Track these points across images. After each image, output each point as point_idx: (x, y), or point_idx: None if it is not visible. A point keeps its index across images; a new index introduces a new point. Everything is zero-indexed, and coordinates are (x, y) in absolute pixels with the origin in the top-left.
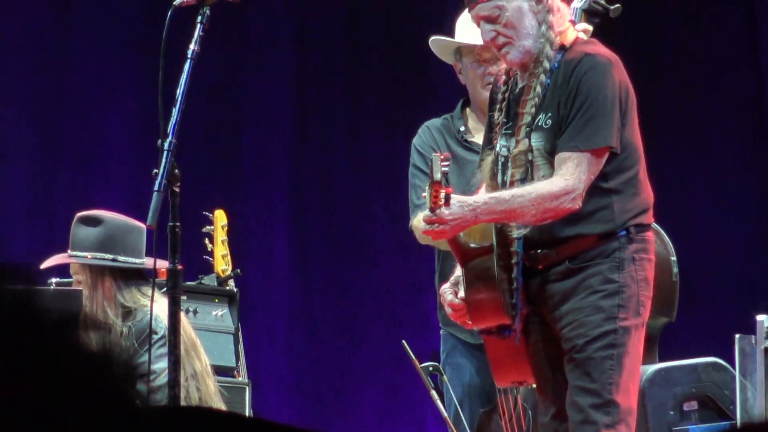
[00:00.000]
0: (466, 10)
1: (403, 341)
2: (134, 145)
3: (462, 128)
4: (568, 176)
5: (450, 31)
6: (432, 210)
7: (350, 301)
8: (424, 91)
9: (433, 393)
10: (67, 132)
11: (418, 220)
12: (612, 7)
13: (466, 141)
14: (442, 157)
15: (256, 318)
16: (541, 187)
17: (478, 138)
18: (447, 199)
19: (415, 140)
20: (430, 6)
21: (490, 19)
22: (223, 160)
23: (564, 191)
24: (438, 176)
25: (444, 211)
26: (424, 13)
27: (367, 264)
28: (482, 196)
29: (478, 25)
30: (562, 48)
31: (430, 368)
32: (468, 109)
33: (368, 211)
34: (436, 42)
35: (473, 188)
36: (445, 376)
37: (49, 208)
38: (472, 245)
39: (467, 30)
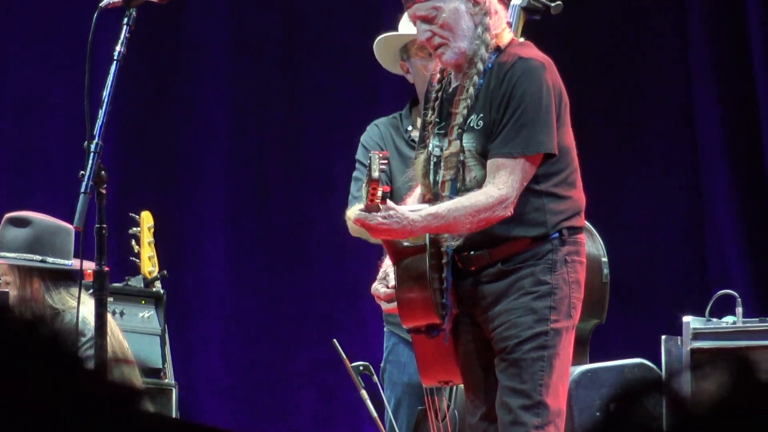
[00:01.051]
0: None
1: (334, 340)
2: (64, 146)
3: (410, 127)
4: (502, 185)
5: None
6: (368, 207)
7: (286, 305)
8: (363, 95)
9: (363, 393)
10: (4, 135)
11: (352, 211)
12: (553, 4)
13: (413, 140)
14: (380, 155)
15: (192, 321)
16: (475, 200)
17: None
18: (384, 197)
19: (363, 136)
20: (369, 7)
21: (427, 20)
22: (158, 162)
23: (498, 201)
24: (376, 174)
25: (377, 217)
26: (362, 15)
27: (304, 267)
28: (419, 214)
29: (414, 24)
30: (497, 49)
31: (361, 368)
32: (416, 108)
33: (305, 214)
34: (382, 41)
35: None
36: (375, 376)
37: None
38: (405, 243)
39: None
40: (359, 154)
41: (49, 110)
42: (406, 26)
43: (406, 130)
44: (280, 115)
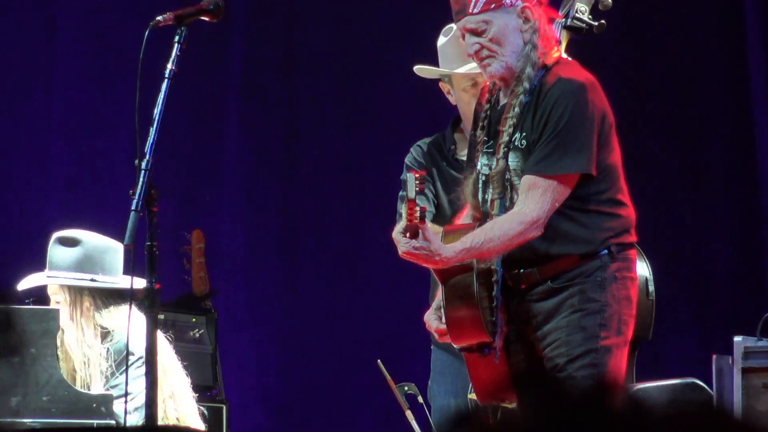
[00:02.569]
0: (444, 34)
1: (378, 360)
2: (116, 164)
3: (453, 146)
4: (532, 207)
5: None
6: (407, 228)
7: (342, 325)
8: (421, 116)
9: (409, 413)
10: (55, 154)
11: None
12: (596, 24)
13: (456, 159)
14: (417, 175)
15: (246, 340)
16: (507, 227)
17: None
18: (422, 217)
19: (407, 158)
20: (426, 27)
21: (476, 33)
22: (212, 181)
23: (529, 225)
24: (412, 194)
25: (408, 245)
26: (420, 35)
27: (360, 288)
28: (452, 249)
29: (463, 37)
30: (544, 67)
31: (406, 388)
32: (459, 127)
33: (361, 235)
34: (425, 71)
35: (455, 206)
36: (420, 396)
37: (36, 228)
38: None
39: (452, 57)
40: (404, 175)
41: (101, 129)
42: (447, 53)
43: (449, 149)
44: (336, 135)
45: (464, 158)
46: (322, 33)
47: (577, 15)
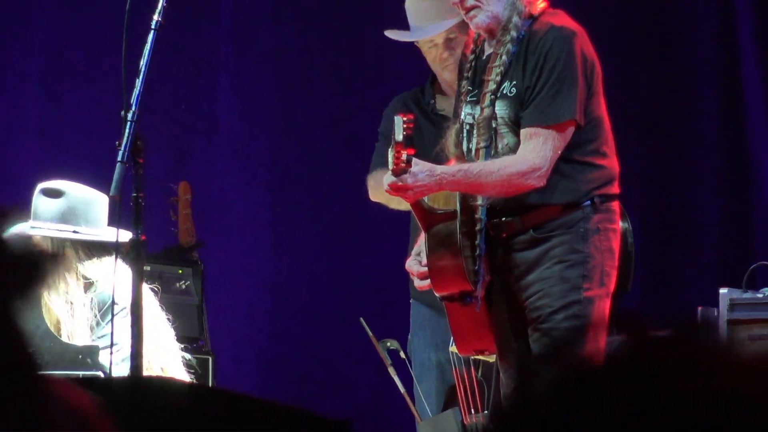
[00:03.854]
0: None
1: (361, 318)
2: (98, 116)
3: (432, 101)
4: (536, 154)
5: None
6: (394, 171)
7: (332, 278)
8: (419, 70)
9: (391, 369)
10: (31, 103)
11: (372, 177)
12: None
13: (434, 113)
14: (405, 118)
15: (235, 291)
16: (509, 164)
17: (448, 110)
18: (408, 160)
19: (386, 110)
20: None
21: None
22: (196, 131)
23: (531, 169)
24: (400, 137)
25: (407, 178)
26: None
27: (351, 240)
28: (450, 167)
29: None
30: (530, 17)
31: (388, 344)
32: (437, 82)
33: (354, 187)
34: (390, 34)
35: (438, 159)
36: (402, 352)
37: (10, 178)
38: (436, 210)
39: (415, 17)
40: (382, 127)
41: (86, 80)
42: (410, 16)
43: (428, 103)
44: (329, 87)
45: (443, 112)
46: None
47: None
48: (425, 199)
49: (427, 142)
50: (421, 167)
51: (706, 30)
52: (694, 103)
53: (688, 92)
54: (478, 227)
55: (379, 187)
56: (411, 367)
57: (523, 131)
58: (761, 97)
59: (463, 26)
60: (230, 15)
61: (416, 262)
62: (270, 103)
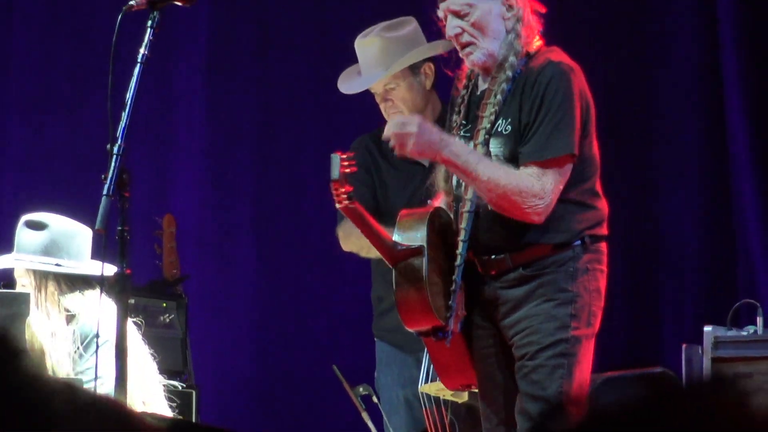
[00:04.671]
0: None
1: (334, 366)
2: (84, 148)
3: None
4: (534, 181)
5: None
6: (341, 210)
7: (315, 311)
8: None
9: (365, 415)
10: (12, 133)
11: (341, 229)
12: None
13: (394, 153)
14: (344, 156)
15: (219, 325)
16: (516, 175)
17: None
18: (350, 197)
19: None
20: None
21: (459, 15)
22: (187, 164)
23: (534, 192)
24: (336, 175)
25: (413, 126)
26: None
27: (333, 273)
28: (456, 140)
29: (445, 18)
30: (527, 55)
31: (360, 389)
32: None
33: (335, 219)
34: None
35: (415, 194)
36: (375, 397)
37: None
38: (400, 247)
39: (365, 66)
40: None
41: (73, 112)
42: (348, 75)
43: (388, 143)
44: (311, 117)
45: None
46: (296, 11)
47: None
48: (396, 237)
49: (388, 182)
50: (430, 125)
51: (689, 63)
52: (676, 137)
53: (670, 127)
54: (457, 262)
55: (350, 237)
56: (380, 403)
57: (521, 168)
58: (745, 131)
59: (408, 75)
60: (208, 45)
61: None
62: (250, 133)
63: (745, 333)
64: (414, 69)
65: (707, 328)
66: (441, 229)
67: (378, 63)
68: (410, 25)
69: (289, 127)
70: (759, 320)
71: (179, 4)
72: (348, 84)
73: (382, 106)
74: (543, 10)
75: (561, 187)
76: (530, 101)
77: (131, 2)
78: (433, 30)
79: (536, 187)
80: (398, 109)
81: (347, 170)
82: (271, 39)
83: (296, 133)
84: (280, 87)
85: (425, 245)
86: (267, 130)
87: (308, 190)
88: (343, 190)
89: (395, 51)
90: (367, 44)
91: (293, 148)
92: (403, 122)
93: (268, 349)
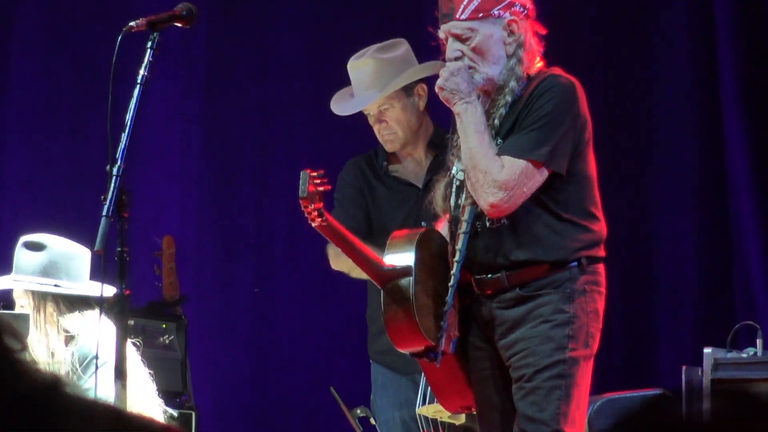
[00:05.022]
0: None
1: (332, 387)
2: (84, 169)
3: (384, 163)
4: (503, 173)
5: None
6: (316, 228)
7: (315, 332)
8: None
9: None
10: (12, 153)
11: (331, 247)
12: None
13: (387, 175)
14: (315, 174)
15: (218, 346)
16: (492, 158)
17: (401, 172)
18: (321, 213)
19: (341, 173)
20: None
21: (460, 39)
22: (177, 185)
23: (494, 179)
24: (304, 193)
25: (451, 76)
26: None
27: (333, 294)
28: (478, 106)
29: (445, 41)
30: (528, 78)
31: (358, 411)
32: None
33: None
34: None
35: (409, 215)
36: (372, 419)
37: None
38: (386, 268)
39: (359, 89)
40: (338, 192)
41: (73, 133)
42: (342, 96)
43: (381, 165)
44: (309, 139)
45: (395, 174)
46: (294, 33)
47: None
48: (386, 258)
49: (381, 204)
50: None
51: (686, 83)
52: (673, 158)
53: (667, 148)
54: (450, 283)
55: (339, 256)
56: (377, 425)
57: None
58: (743, 152)
59: (402, 96)
60: (206, 66)
61: None
62: (249, 154)
63: (744, 355)
64: (408, 90)
65: (707, 350)
66: (437, 250)
67: (372, 84)
68: (402, 47)
69: (286, 148)
70: (759, 342)
71: (179, 25)
72: (341, 105)
73: (375, 128)
74: (544, 32)
75: (526, 192)
76: (526, 110)
77: (131, 23)
78: (424, 53)
79: (500, 176)
80: (392, 131)
81: (319, 188)
82: (269, 61)
83: (294, 154)
84: (278, 108)
85: (413, 266)
86: (265, 151)
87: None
88: (312, 207)
89: (389, 72)
90: (361, 66)
91: (291, 169)
92: (453, 69)
93: (266, 370)
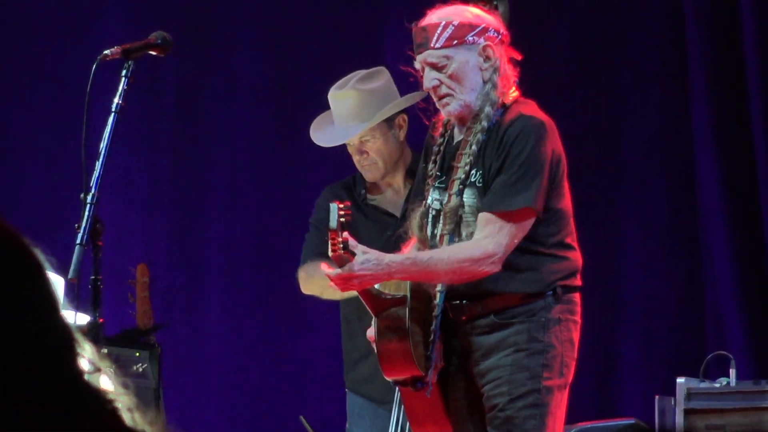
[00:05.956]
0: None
1: (301, 416)
2: (57, 197)
3: (363, 191)
4: (490, 240)
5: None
6: (334, 259)
7: (286, 362)
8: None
9: None
10: None
11: (303, 270)
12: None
13: (366, 204)
14: (341, 205)
15: (189, 375)
16: (460, 250)
17: (380, 201)
18: (346, 246)
19: (318, 200)
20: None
21: (437, 67)
22: (153, 214)
23: (484, 255)
24: (334, 224)
25: (354, 266)
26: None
27: (303, 323)
28: (399, 256)
29: (422, 70)
30: (503, 106)
31: None
32: None
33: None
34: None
35: (388, 244)
36: None
37: None
38: (385, 295)
39: (339, 120)
40: (313, 217)
41: (47, 160)
42: (321, 124)
43: (360, 193)
44: (277, 168)
45: (374, 202)
46: (265, 63)
47: None
48: (378, 284)
49: (360, 232)
50: (368, 256)
51: (658, 112)
52: (644, 187)
53: (639, 175)
54: (434, 312)
55: (312, 279)
56: None
57: (480, 216)
58: (715, 181)
59: (384, 127)
60: (176, 93)
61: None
62: (217, 183)
63: (717, 385)
64: (389, 121)
65: (680, 380)
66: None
67: (355, 116)
68: (384, 76)
69: (256, 176)
70: (732, 372)
71: (154, 53)
72: (322, 135)
73: (355, 158)
74: (519, 58)
75: (517, 241)
76: (497, 154)
77: (106, 52)
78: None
79: (490, 248)
80: (373, 161)
81: (342, 219)
82: (238, 88)
83: (264, 182)
84: (247, 136)
85: (408, 295)
86: (233, 181)
87: (276, 240)
88: (340, 239)
89: (371, 103)
90: (343, 97)
91: (259, 194)
92: (339, 272)
93: (241, 399)
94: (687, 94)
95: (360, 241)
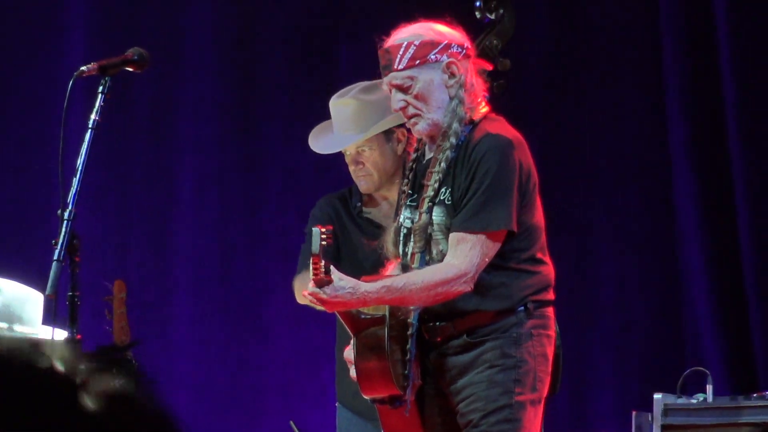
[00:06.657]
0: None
1: (291, 421)
2: (35, 213)
3: (359, 204)
4: (462, 259)
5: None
6: (315, 281)
7: (248, 373)
8: (320, 163)
9: None
10: None
11: (298, 280)
12: (502, 60)
13: (361, 217)
14: (323, 230)
15: (166, 390)
16: (432, 273)
17: (374, 215)
18: (327, 271)
19: (313, 209)
20: (327, 61)
21: (402, 89)
22: (120, 227)
23: (456, 276)
24: (316, 249)
25: (327, 291)
26: (321, 70)
27: (265, 335)
28: (374, 285)
29: (390, 92)
30: (471, 122)
31: None
32: None
33: (266, 282)
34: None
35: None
36: None
37: None
38: (364, 315)
39: (338, 127)
40: (308, 227)
41: (24, 176)
42: (320, 133)
43: (355, 205)
44: (239, 181)
45: (369, 215)
46: (228, 78)
47: (486, 44)
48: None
49: (355, 243)
50: (344, 283)
51: (634, 126)
52: (620, 202)
53: (613, 191)
54: (409, 332)
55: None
56: None
57: (451, 236)
58: (692, 198)
59: (382, 139)
60: (150, 107)
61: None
62: (189, 196)
63: (694, 401)
64: (388, 134)
65: (657, 396)
66: None
67: (353, 125)
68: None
69: (219, 191)
70: (709, 388)
71: (130, 70)
72: (320, 142)
73: (351, 168)
74: (489, 68)
75: (488, 259)
76: (465, 172)
77: (83, 68)
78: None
79: (462, 267)
80: (368, 173)
81: (324, 243)
82: (210, 102)
83: (227, 196)
84: (210, 152)
85: (387, 314)
86: (198, 194)
87: (252, 256)
88: (321, 264)
89: (371, 114)
90: (343, 105)
91: (221, 212)
92: (316, 292)
93: (219, 415)
94: (664, 111)
95: (356, 252)
